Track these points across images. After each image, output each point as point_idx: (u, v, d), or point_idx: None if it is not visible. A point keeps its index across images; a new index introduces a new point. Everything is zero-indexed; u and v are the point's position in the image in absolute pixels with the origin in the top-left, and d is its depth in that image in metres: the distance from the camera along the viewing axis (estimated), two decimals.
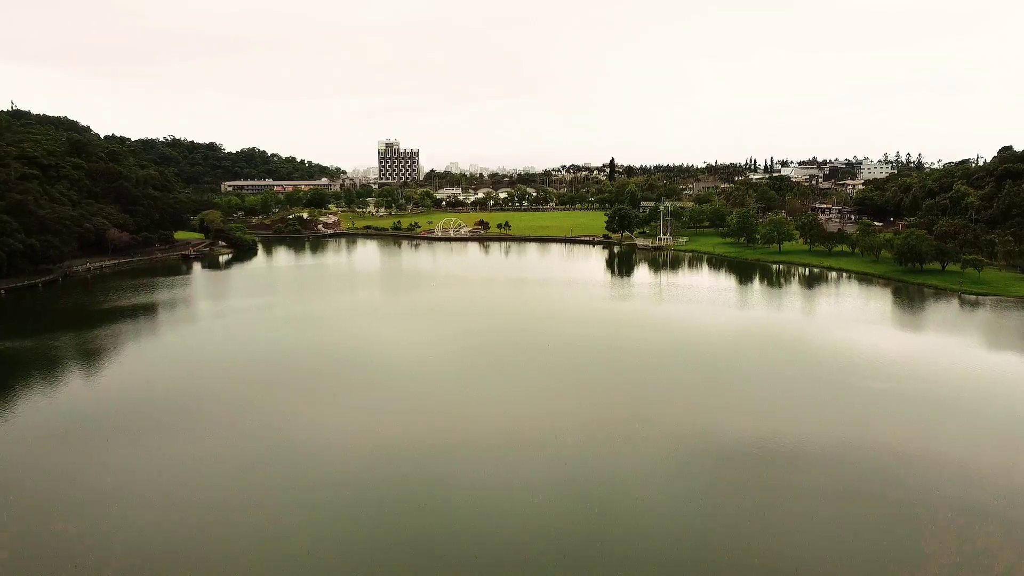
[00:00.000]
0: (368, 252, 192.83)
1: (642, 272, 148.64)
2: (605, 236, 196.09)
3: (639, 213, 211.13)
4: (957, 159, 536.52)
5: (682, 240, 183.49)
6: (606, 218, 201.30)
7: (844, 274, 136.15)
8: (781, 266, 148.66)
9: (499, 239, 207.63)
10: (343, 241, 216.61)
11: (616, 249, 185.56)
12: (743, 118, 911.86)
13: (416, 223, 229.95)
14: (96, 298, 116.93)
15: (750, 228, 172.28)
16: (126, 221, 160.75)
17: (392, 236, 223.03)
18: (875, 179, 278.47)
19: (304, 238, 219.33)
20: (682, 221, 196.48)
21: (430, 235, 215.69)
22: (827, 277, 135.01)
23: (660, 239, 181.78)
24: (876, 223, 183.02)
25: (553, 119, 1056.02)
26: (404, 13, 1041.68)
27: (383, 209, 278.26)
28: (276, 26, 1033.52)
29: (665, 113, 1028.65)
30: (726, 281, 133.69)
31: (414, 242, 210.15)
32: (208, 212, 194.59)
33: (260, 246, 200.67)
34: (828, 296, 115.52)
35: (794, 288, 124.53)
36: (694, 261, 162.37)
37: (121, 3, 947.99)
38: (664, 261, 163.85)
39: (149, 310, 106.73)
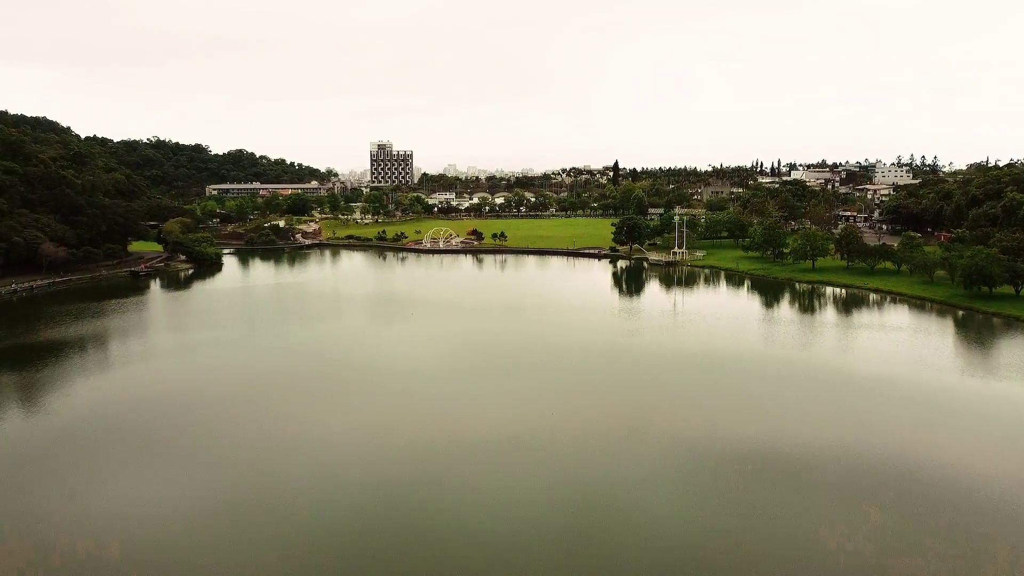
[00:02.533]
0: (345, 267, 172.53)
1: (656, 293, 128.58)
2: (612, 249, 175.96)
3: (649, 222, 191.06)
4: (970, 162, 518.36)
5: (699, 254, 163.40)
6: (612, 227, 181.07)
7: (894, 298, 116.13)
8: (817, 287, 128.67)
9: (494, 251, 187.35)
10: (321, 253, 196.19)
11: (625, 264, 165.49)
12: (743, 120, 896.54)
13: (402, 232, 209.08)
14: (4, 331, 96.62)
15: (778, 241, 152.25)
16: (66, 233, 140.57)
17: (376, 247, 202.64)
18: (908, 184, 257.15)
19: (279, 249, 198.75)
20: (697, 232, 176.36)
21: (418, 246, 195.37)
22: (873, 301, 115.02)
23: (674, 253, 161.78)
24: (916, 235, 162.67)
25: (552, 121, 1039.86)
26: (402, 15, 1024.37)
27: (370, 216, 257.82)
28: (272, 27, 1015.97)
29: (664, 115, 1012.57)
30: (756, 306, 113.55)
31: (400, 255, 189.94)
32: (170, 222, 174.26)
33: (232, 258, 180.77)
34: (886, 330, 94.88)
35: (841, 316, 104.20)
36: (715, 279, 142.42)
37: (113, 2, 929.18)
38: (680, 279, 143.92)
39: (61, 348, 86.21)
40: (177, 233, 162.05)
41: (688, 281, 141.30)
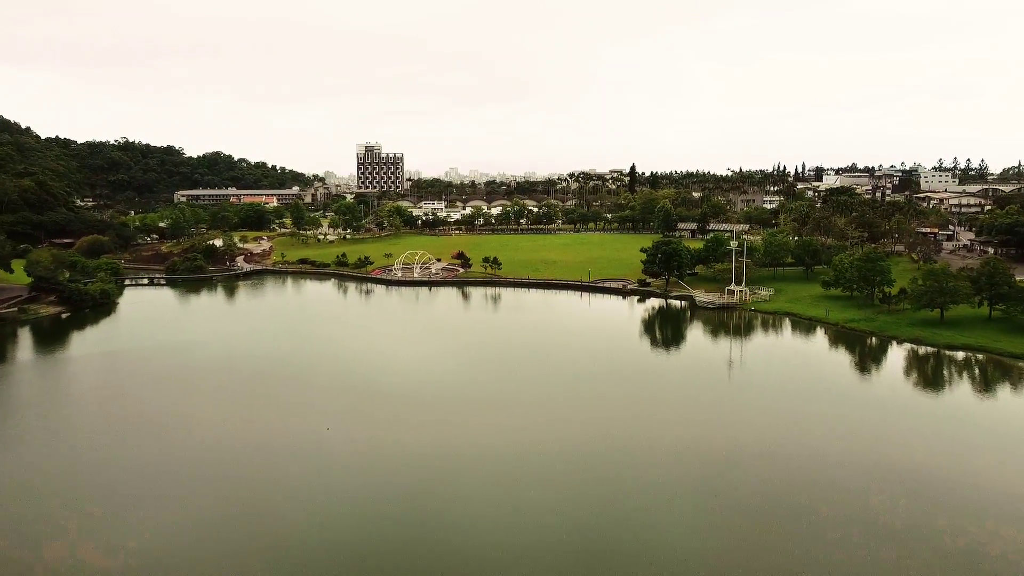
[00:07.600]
0: (274, 309, 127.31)
1: (713, 364, 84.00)
2: (641, 282, 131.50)
3: (684, 244, 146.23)
4: (1006, 166, 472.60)
5: (763, 292, 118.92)
6: (641, 252, 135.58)
7: None
8: (962, 354, 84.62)
9: (483, 283, 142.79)
10: (259, 284, 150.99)
11: (660, 304, 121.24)
12: (748, 122, 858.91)
13: (367, 256, 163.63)
14: None
15: (881, 278, 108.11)
16: None
17: (334, 275, 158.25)
18: (1013, 194, 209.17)
19: (208, 279, 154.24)
20: (755, 258, 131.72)
21: (386, 275, 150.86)
22: None
23: (730, 291, 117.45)
24: None
25: (555, 124, 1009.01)
26: (397, 22, 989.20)
27: (339, 230, 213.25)
28: (269, 30, 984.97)
29: (667, 117, 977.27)
30: (880, 408, 69.01)
31: (364, 287, 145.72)
32: (40, 250, 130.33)
33: (140, 293, 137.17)
34: None
35: None
36: (792, 333, 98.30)
37: (101, 4, 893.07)
38: (743, 329, 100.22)
39: None
40: (46, 263, 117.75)
41: (752, 333, 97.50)
